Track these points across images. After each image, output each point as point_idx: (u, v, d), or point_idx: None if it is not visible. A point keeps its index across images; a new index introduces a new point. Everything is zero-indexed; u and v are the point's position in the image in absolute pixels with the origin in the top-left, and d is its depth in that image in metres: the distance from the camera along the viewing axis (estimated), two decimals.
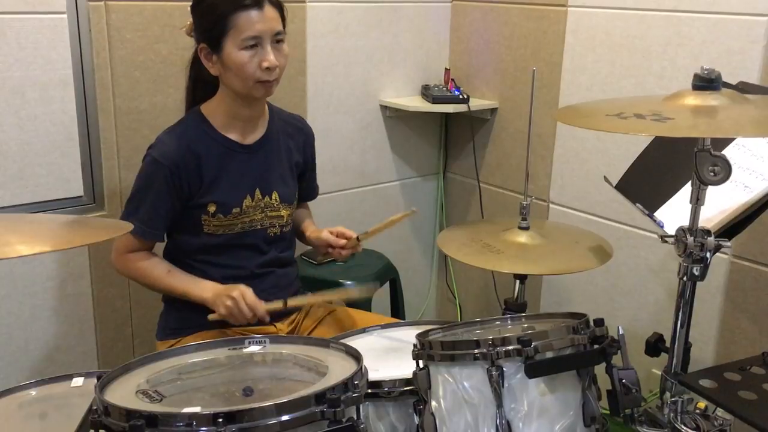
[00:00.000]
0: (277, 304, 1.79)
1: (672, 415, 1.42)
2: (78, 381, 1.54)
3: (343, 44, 2.65)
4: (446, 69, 2.90)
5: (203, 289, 1.80)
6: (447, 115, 2.98)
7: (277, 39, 1.75)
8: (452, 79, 2.86)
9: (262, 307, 1.75)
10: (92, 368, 2.30)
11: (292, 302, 1.83)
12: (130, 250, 1.83)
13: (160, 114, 2.25)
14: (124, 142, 2.23)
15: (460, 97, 2.76)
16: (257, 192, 1.86)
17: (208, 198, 1.81)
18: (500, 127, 2.82)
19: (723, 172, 1.33)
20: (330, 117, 2.67)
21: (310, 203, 2.17)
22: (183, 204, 1.81)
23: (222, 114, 1.84)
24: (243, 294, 1.73)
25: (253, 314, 1.74)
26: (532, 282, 2.69)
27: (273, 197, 1.88)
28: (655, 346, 1.63)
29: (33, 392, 1.51)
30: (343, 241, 1.92)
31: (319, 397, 1.13)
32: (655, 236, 1.48)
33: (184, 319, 1.89)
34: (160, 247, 1.92)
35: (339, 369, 1.28)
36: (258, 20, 1.70)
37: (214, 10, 1.72)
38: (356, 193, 2.83)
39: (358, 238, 1.91)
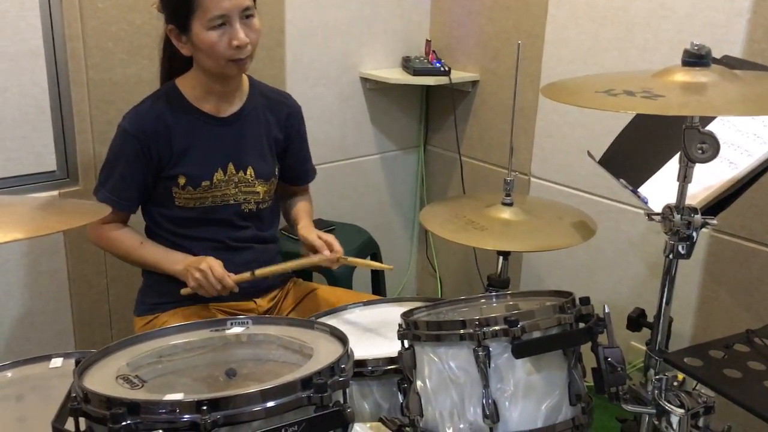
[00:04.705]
0: (245, 275, 1.77)
1: (656, 392, 1.42)
2: (57, 362, 1.51)
3: (322, 15, 2.59)
4: (427, 40, 2.86)
5: (174, 261, 1.80)
6: (428, 87, 2.94)
7: (247, 14, 1.70)
8: (433, 51, 2.82)
9: (231, 278, 1.74)
10: (69, 346, 2.27)
11: (260, 272, 1.79)
12: (104, 222, 1.81)
13: (135, 86, 2.19)
14: (98, 115, 2.17)
15: (441, 69, 2.72)
16: (230, 166, 1.83)
17: (178, 170, 1.79)
18: (481, 99, 2.79)
19: (711, 149, 1.31)
20: (309, 90, 2.62)
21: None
22: (154, 175, 1.79)
23: (196, 87, 1.81)
24: (211, 266, 1.72)
25: (222, 286, 1.73)
26: (513, 256, 2.67)
27: (248, 172, 1.85)
28: (637, 321, 1.63)
29: (9, 374, 1.48)
30: (327, 253, 1.83)
31: (306, 382, 1.11)
32: (636, 210, 1.47)
33: (163, 293, 1.87)
34: (141, 223, 1.89)
35: (324, 351, 1.26)
36: None
37: None
38: (336, 166, 2.80)
39: (338, 259, 1.85)
